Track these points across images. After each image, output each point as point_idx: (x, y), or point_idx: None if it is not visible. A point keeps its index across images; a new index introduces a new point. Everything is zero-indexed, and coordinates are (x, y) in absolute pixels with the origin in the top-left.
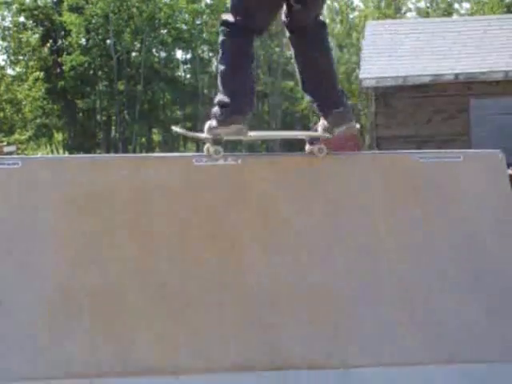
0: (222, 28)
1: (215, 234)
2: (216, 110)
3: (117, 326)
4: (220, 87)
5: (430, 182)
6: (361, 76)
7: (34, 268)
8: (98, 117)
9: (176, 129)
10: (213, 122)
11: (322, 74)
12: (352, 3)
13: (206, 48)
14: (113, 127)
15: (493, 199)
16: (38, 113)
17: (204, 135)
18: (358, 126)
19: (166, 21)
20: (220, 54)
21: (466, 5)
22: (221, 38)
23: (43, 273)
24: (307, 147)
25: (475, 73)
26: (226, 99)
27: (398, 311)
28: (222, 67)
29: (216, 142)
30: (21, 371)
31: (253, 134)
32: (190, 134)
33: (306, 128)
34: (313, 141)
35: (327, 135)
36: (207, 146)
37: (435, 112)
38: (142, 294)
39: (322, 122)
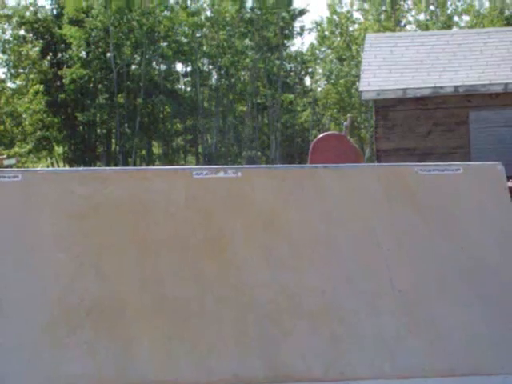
0: None
1: (215, 247)
2: None
3: (117, 338)
4: None
5: (430, 194)
6: (361, 89)
7: (35, 280)
8: (98, 130)
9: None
10: None
11: None
12: (352, 16)
13: (205, 61)
14: (113, 140)
15: (492, 211)
16: (38, 126)
17: None
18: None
19: (165, 34)
20: None
21: (466, 18)
22: None
23: (44, 285)
24: None
25: (475, 85)
26: None
27: (398, 323)
28: None
29: None
30: (20, 383)
31: None
32: None
33: (306, 141)
34: None
35: None
36: None
37: (435, 124)
38: (142, 307)
39: None
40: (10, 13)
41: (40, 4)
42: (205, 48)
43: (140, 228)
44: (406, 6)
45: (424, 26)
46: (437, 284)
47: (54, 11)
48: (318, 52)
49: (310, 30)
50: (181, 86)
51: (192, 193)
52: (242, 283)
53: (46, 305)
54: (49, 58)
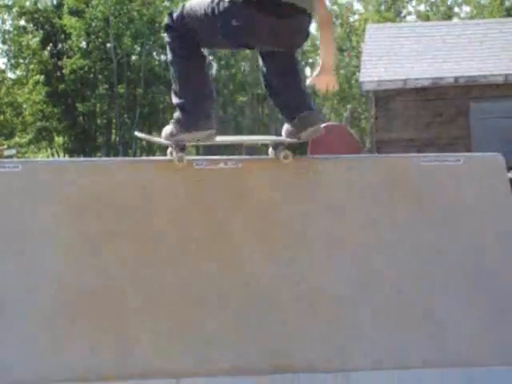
0: (170, 32)
1: (215, 238)
2: (179, 115)
3: (117, 329)
4: (179, 91)
5: (430, 185)
6: (361, 79)
7: (35, 271)
8: (99, 120)
9: (139, 134)
10: (175, 128)
11: (289, 78)
12: (352, 6)
13: (205, 51)
14: (113, 130)
15: (493, 202)
16: (39, 116)
17: (167, 141)
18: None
19: None
20: (172, 56)
21: (466, 8)
22: (169, 39)
23: (44, 276)
24: (270, 151)
25: (475, 76)
26: (189, 104)
27: (399, 314)
28: (179, 70)
29: (180, 147)
30: (21, 375)
31: (219, 138)
32: (154, 139)
33: None
34: (277, 146)
35: (292, 139)
36: (170, 150)
37: (435, 115)
38: (142, 298)
39: (286, 127)
40: (10, 3)
41: None
42: None
43: (140, 219)
44: None
45: (424, 17)
46: (437, 276)
47: (54, 1)
48: (318, 42)
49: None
50: None
51: (192, 183)
52: (242, 274)
53: (46, 296)
54: (49, 48)
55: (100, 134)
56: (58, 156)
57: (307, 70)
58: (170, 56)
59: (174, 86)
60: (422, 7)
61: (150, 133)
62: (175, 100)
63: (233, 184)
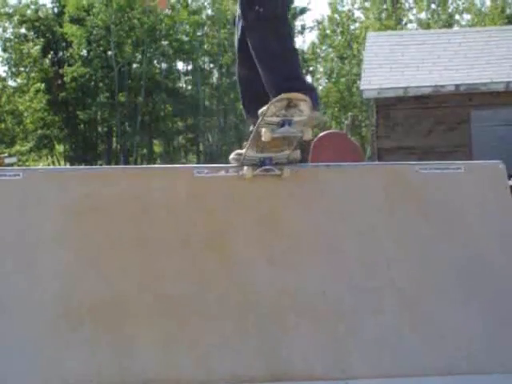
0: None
1: (216, 245)
2: (311, 94)
3: (117, 337)
4: (296, 70)
5: (430, 193)
6: (362, 87)
7: (36, 279)
8: (99, 128)
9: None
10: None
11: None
12: (353, 14)
13: (206, 59)
14: (114, 138)
15: (493, 210)
16: (39, 124)
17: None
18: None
19: (167, 32)
20: (278, 36)
21: (467, 16)
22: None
23: (44, 284)
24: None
25: (476, 84)
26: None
27: (399, 322)
28: (289, 48)
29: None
30: (21, 382)
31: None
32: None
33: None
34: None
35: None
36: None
37: (436, 123)
38: (143, 305)
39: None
40: (10, 11)
41: (41, 2)
42: (206, 46)
43: (141, 227)
44: (407, 5)
45: (425, 25)
46: (437, 282)
47: (55, 9)
48: (319, 50)
49: (311, 28)
50: (182, 84)
51: (193, 191)
52: (243, 282)
53: (47, 303)
54: (50, 56)
55: (101, 142)
56: (59, 164)
57: (308, 79)
58: (275, 39)
59: (287, 71)
60: (422, 15)
61: (150, 141)
62: (300, 81)
63: (234, 191)
